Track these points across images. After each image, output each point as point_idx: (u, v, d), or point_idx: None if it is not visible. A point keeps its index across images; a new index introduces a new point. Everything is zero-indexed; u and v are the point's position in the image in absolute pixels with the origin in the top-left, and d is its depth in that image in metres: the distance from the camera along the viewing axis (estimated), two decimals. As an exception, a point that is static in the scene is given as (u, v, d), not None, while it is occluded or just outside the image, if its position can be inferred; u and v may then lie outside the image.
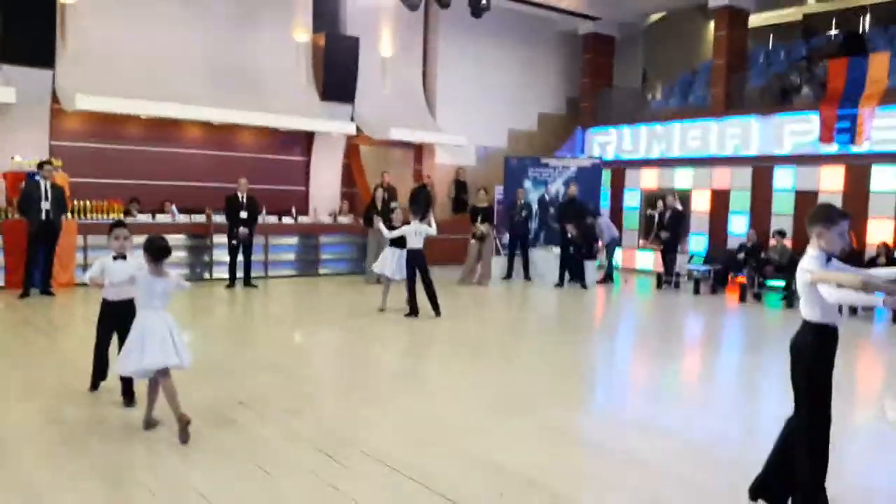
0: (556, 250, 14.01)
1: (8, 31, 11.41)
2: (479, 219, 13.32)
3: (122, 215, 11.65)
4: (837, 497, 3.78)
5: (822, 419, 3.67)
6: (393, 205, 12.07)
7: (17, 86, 11.22)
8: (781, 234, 12.97)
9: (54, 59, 11.86)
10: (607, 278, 14.27)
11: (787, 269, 12.36)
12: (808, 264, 3.66)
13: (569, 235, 13.30)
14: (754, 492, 3.91)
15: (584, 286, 13.31)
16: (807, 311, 3.72)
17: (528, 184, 15.18)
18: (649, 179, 16.51)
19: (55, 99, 12.06)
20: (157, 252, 4.71)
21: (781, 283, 12.47)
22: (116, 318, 5.36)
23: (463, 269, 13.46)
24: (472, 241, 13.39)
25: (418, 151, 16.86)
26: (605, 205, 16.33)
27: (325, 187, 15.39)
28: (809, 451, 3.65)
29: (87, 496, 3.83)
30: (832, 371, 3.72)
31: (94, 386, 5.68)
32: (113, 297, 5.36)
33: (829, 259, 3.68)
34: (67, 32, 12.21)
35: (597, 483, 4.24)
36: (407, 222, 9.81)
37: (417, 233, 9.51)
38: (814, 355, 3.69)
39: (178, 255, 11.90)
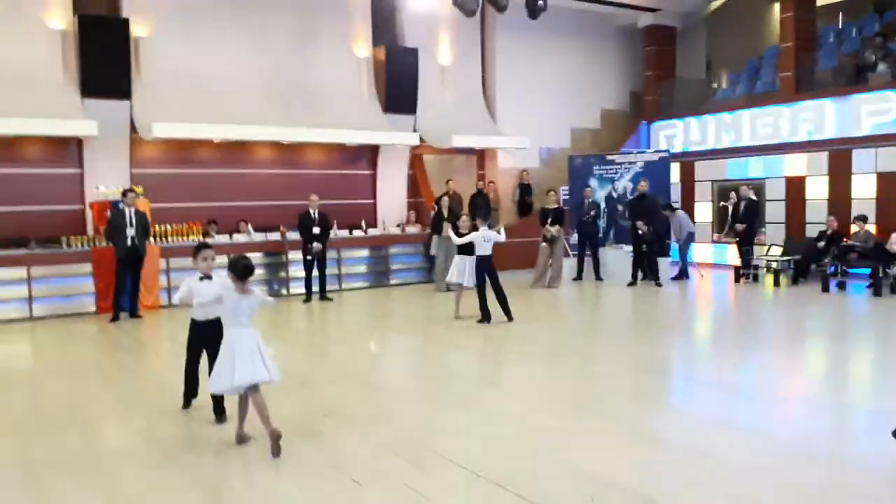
0: (628, 248, 13.79)
1: (86, 66, 12.02)
2: (550, 221, 13.23)
3: (201, 237, 12.07)
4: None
5: None
6: (460, 213, 12.13)
7: (98, 118, 11.79)
8: (863, 219, 12.45)
9: (131, 90, 12.42)
10: (683, 275, 13.96)
11: (872, 255, 11.88)
12: None
13: (640, 232, 13.08)
14: None
15: (658, 284, 13.07)
16: None
17: (593, 182, 15.01)
18: (720, 170, 16.10)
19: (133, 129, 12.60)
20: (242, 271, 4.88)
21: (867, 271, 11.98)
22: (205, 338, 5.56)
23: (534, 272, 13.41)
24: (543, 243, 13.32)
25: (481, 157, 16.90)
26: (675, 199, 15.99)
27: (391, 199, 15.60)
28: None
29: (189, 510, 4.00)
30: None
31: (187, 404, 5.91)
32: (201, 317, 5.56)
33: None
34: (141, 64, 12.75)
35: (688, 486, 4.17)
36: (475, 229, 9.85)
37: (486, 239, 9.54)
38: None
39: (256, 272, 12.23)
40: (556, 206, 13.46)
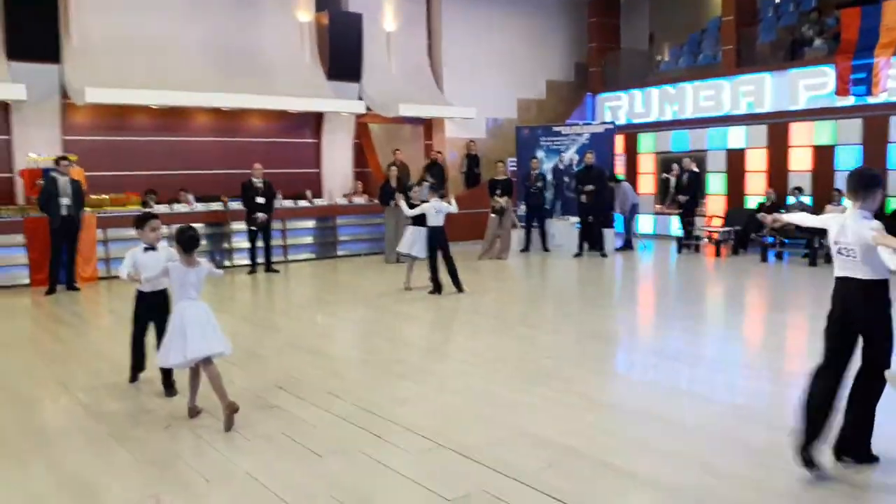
0: (574, 220, 13.94)
1: (12, 28, 11.41)
2: (499, 192, 13.24)
3: (140, 207, 11.67)
4: None
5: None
6: (410, 183, 12.03)
7: (25, 82, 11.22)
8: (799, 189, 12.86)
9: (60, 53, 11.83)
10: (627, 245, 14.21)
11: (808, 227, 12.26)
12: (867, 226, 3.64)
13: (583, 200, 13.21)
14: (838, 451, 3.92)
15: (603, 255, 13.28)
16: (856, 270, 3.78)
17: (540, 153, 15.07)
18: (663, 142, 16.37)
19: (64, 94, 12.05)
20: (188, 242, 4.73)
21: (803, 241, 12.39)
22: (152, 310, 5.41)
23: (483, 243, 13.44)
24: (492, 214, 13.34)
25: (428, 127, 16.77)
26: (619, 171, 16.19)
27: (337, 168, 15.37)
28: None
29: (140, 484, 3.89)
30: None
31: (134, 378, 5.74)
32: (147, 288, 5.38)
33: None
34: (71, 26, 12.16)
35: (641, 449, 4.25)
36: (426, 200, 9.77)
37: (438, 210, 9.48)
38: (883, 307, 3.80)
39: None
40: (504, 177, 13.48)
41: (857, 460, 3.89)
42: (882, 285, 3.78)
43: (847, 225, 3.79)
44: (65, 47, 11.96)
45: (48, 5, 11.57)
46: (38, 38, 11.58)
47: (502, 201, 13.18)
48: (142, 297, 5.49)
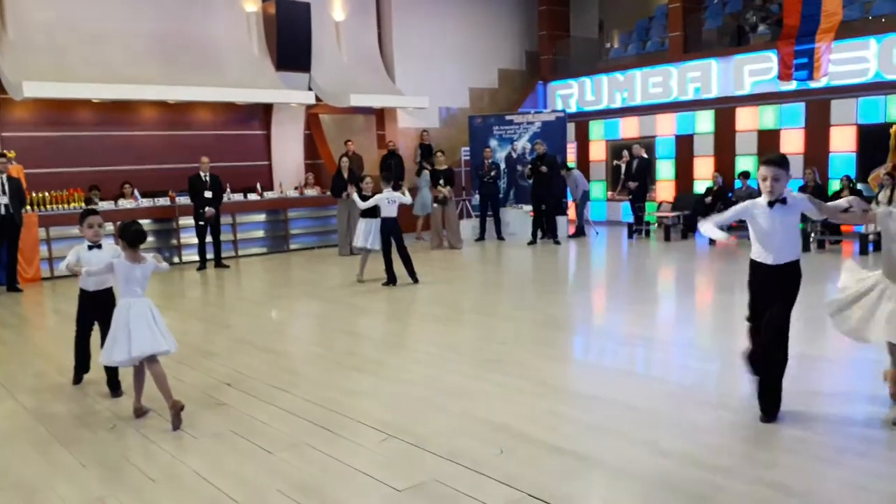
0: (528, 208, 14.01)
1: (-57, 20, 10.95)
2: (442, 182, 13.26)
3: (83, 204, 11.36)
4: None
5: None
6: (363, 175, 11.92)
7: (-41, 77, 10.81)
8: (746, 175, 13.13)
9: (-5, 47, 11.43)
10: (579, 232, 14.34)
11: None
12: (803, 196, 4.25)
13: (527, 175, 13.27)
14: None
15: (556, 242, 13.38)
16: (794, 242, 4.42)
17: (493, 142, 15.10)
18: (613, 130, 16.54)
19: (1, 88, 11.63)
20: (133, 237, 4.61)
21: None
22: (96, 309, 5.26)
23: (430, 234, 13.43)
24: (435, 205, 13.35)
25: (380, 117, 16.66)
26: (571, 158, 16.32)
27: (288, 160, 15.16)
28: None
29: (86, 486, 3.78)
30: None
31: (78, 379, 5.57)
32: (92, 287, 5.23)
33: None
34: (7, 18, 11.74)
35: (593, 432, 4.29)
36: (379, 191, 9.70)
37: (390, 201, 9.41)
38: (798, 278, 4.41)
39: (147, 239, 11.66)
40: (445, 167, 13.51)
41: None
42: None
43: None
44: (0, 40, 11.52)
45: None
46: (-29, 31, 11.16)
47: (445, 191, 13.21)
48: (85, 296, 5.33)
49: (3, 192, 9.90)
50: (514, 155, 15.11)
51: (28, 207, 10.68)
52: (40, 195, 11.19)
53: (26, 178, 10.94)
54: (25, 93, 11.27)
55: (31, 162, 11.52)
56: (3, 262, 10.12)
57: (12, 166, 10.49)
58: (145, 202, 12.17)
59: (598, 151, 16.92)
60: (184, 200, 12.05)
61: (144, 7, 13.12)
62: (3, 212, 9.91)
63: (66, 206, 11.34)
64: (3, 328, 8.12)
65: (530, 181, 13.59)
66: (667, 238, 13.26)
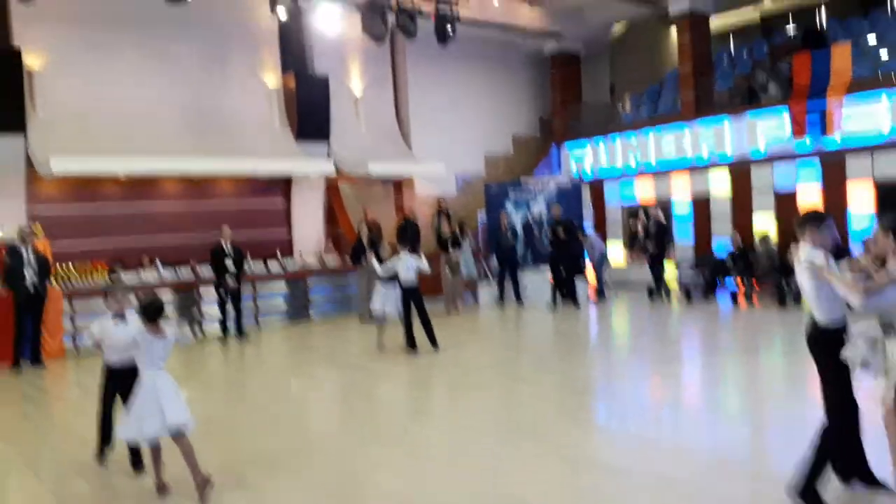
0: (547, 271, 14.00)
1: (-24, 101, 11.32)
2: (451, 248, 13.47)
3: (107, 277, 11.49)
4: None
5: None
6: (381, 242, 12.03)
7: (-10, 155, 11.12)
8: (766, 234, 13.08)
9: (25, 124, 11.76)
10: (599, 295, 14.27)
11: (776, 268, 12.47)
12: (814, 257, 3.82)
13: (549, 238, 13.34)
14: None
15: (577, 305, 13.31)
16: (814, 305, 3.99)
17: (510, 207, 15.22)
18: (629, 192, 16.62)
19: (30, 164, 11.94)
20: (153, 313, 4.67)
21: (771, 283, 12.56)
22: (120, 384, 5.26)
23: (445, 300, 13.43)
24: (447, 270, 13.44)
25: (398, 185, 16.86)
26: (587, 222, 16.38)
27: (308, 229, 15.31)
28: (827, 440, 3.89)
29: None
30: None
31: (101, 455, 5.53)
32: (116, 362, 5.25)
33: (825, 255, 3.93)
34: (37, 97, 12.12)
35: (624, 506, 4.18)
36: (397, 257, 9.74)
37: (409, 267, 9.45)
38: (829, 348, 3.94)
39: (167, 311, 11.74)
40: (450, 233, 13.79)
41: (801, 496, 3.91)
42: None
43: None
44: (30, 118, 11.89)
45: (11, 75, 11.52)
46: (2, 111, 11.50)
47: (455, 255, 13.30)
48: (111, 372, 5.34)
49: (30, 267, 10.05)
50: (531, 219, 15.20)
51: (53, 281, 10.82)
52: (65, 269, 11.34)
53: (52, 252, 11.12)
54: (53, 168, 11.54)
55: (56, 236, 11.71)
56: (27, 335, 10.20)
57: (39, 241, 10.68)
58: (167, 273, 12.28)
59: (614, 214, 16.97)
60: (206, 270, 12.16)
61: (168, 84, 13.52)
62: (29, 286, 10.04)
63: (90, 279, 11.47)
64: (26, 402, 8.15)
65: (548, 245, 13.63)
66: (688, 300, 13.13)
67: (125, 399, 5.13)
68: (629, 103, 19.20)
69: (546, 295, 13.63)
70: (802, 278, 4.02)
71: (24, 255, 10.04)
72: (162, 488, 4.74)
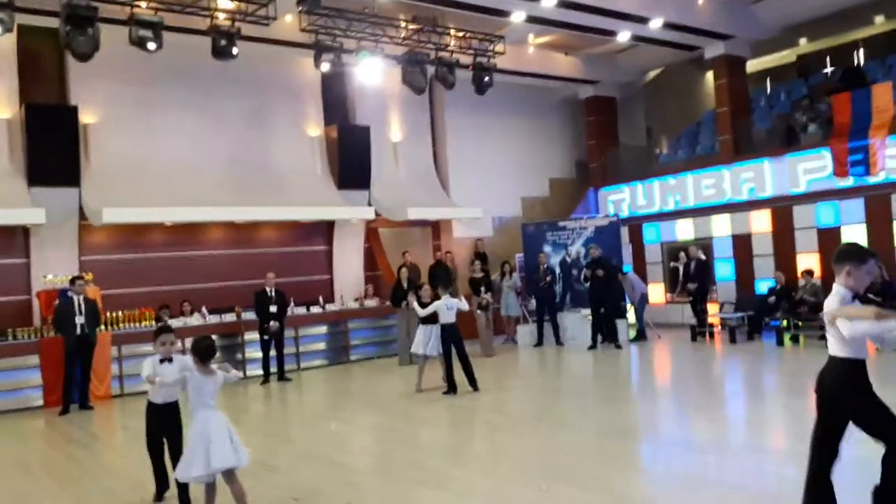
0: (586, 312, 13.93)
1: (34, 155, 11.86)
2: (483, 289, 13.57)
3: (153, 322, 11.79)
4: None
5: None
6: (420, 283, 12.15)
7: (45, 206, 11.57)
8: (809, 273, 12.87)
9: (79, 177, 12.26)
10: (640, 336, 14.11)
11: (821, 307, 12.23)
12: (829, 303, 3.77)
13: (586, 276, 13.51)
14: None
15: (618, 346, 13.18)
16: (833, 347, 3.88)
17: (547, 248, 15.24)
18: (668, 232, 16.53)
19: (82, 215, 12.39)
20: (204, 352, 4.80)
21: (818, 322, 12.30)
22: (163, 422, 5.39)
23: (480, 343, 13.42)
24: (479, 311, 13.48)
25: (436, 228, 17.06)
26: (626, 263, 16.30)
27: (348, 273, 15.54)
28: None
29: None
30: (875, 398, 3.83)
31: (160, 497, 5.56)
32: (160, 400, 5.39)
33: (854, 297, 3.75)
34: (90, 150, 12.65)
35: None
36: (437, 298, 9.84)
37: (449, 307, 9.54)
38: (849, 389, 3.84)
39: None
40: (481, 274, 13.91)
41: None
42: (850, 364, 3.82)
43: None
44: (83, 170, 12.39)
45: (68, 132, 12.06)
46: (59, 164, 12.00)
47: (487, 297, 13.36)
48: (153, 409, 5.47)
49: (80, 313, 10.36)
50: (569, 260, 15.18)
51: (102, 327, 11.12)
52: (113, 315, 11.66)
53: (102, 299, 11.47)
54: (105, 219, 11.96)
55: (106, 283, 12.10)
56: (76, 380, 10.46)
57: (89, 288, 11.03)
58: (212, 318, 12.53)
59: (653, 254, 16.86)
60: (249, 315, 12.39)
61: (215, 137, 13.99)
62: (79, 332, 10.34)
63: (137, 324, 11.77)
64: (75, 446, 8.33)
65: (587, 285, 13.59)
66: (732, 340, 12.91)
67: (169, 439, 5.27)
68: (666, 145, 19.22)
69: (586, 336, 13.53)
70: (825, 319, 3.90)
71: (76, 301, 10.37)
72: None
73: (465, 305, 9.75)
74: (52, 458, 7.88)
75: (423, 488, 5.63)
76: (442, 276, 13.83)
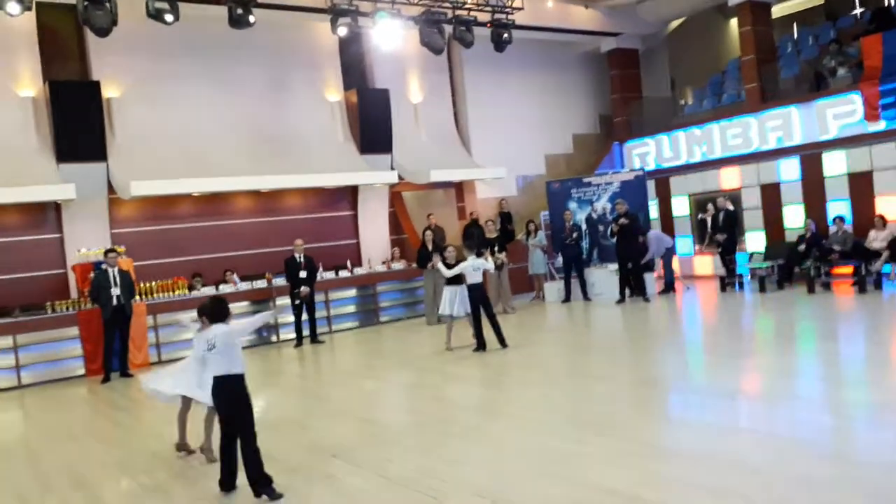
0: (613, 267, 13.89)
1: (60, 131, 12.01)
2: (497, 248, 13.51)
3: (187, 291, 12.00)
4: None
5: None
6: (445, 245, 12.20)
7: (74, 181, 11.75)
8: (841, 219, 12.69)
9: (106, 152, 12.40)
10: (669, 288, 14.06)
11: (852, 254, 12.08)
12: None
13: (613, 229, 13.41)
14: None
15: (646, 299, 13.17)
16: None
17: (573, 205, 15.17)
18: (696, 184, 16.33)
19: (111, 189, 12.57)
20: (201, 310, 5.59)
21: (849, 269, 12.17)
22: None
23: (499, 299, 13.45)
24: (492, 271, 13.47)
25: (459, 189, 17.02)
26: (653, 216, 16.16)
27: (374, 237, 15.63)
28: None
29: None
30: None
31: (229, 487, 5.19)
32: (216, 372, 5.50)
33: None
34: (115, 125, 12.77)
35: (704, 491, 4.17)
36: (462, 259, 9.88)
37: (475, 268, 9.59)
38: None
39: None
40: (496, 234, 13.95)
41: None
42: None
43: None
44: (109, 144, 12.53)
45: (92, 107, 12.17)
46: (85, 140, 12.14)
47: (502, 256, 13.39)
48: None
49: (115, 285, 10.59)
50: (595, 216, 15.10)
51: (137, 297, 11.35)
52: (147, 285, 11.89)
53: (135, 270, 11.69)
54: (133, 192, 12.13)
55: (138, 255, 12.31)
56: (116, 350, 10.74)
57: (122, 260, 11.24)
58: (244, 285, 12.72)
59: (680, 206, 16.69)
60: (280, 281, 12.56)
61: (236, 105, 14.03)
62: (115, 303, 10.58)
63: (171, 293, 11.99)
64: (118, 411, 8.59)
65: (613, 240, 13.53)
66: (762, 290, 12.83)
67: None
68: (691, 96, 18.89)
69: (613, 291, 13.53)
70: None
71: (110, 273, 10.58)
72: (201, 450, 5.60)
73: (490, 266, 9.80)
74: (97, 424, 8.14)
75: (457, 441, 5.74)
76: (477, 236, 13.88)
